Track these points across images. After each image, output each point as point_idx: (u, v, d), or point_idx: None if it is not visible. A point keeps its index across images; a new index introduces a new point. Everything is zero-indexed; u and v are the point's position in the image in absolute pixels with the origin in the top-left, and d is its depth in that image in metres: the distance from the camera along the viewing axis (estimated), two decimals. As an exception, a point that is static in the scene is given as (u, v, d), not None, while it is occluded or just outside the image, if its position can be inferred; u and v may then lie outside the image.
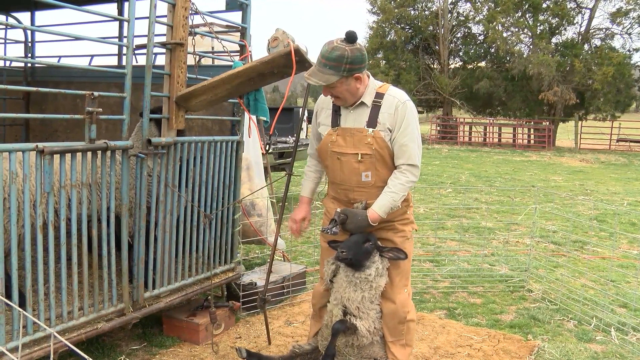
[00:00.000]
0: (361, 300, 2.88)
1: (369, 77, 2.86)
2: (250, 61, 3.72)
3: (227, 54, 3.85)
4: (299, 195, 3.25)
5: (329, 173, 3.05)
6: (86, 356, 1.26)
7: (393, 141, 2.81)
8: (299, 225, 3.15)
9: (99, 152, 3.00)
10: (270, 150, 8.15)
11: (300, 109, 3.47)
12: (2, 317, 2.59)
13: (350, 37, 2.69)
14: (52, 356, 1.33)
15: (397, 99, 2.82)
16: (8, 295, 2.68)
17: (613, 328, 4.13)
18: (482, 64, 31.66)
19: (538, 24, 28.29)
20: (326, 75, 2.69)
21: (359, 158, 2.83)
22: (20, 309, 1.55)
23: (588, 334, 4.07)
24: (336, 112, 2.94)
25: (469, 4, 31.30)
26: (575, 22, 28.57)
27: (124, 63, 3.29)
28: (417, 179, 2.85)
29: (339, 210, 2.85)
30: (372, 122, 2.82)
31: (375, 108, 2.83)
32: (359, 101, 2.85)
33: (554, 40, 28.77)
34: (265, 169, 5.64)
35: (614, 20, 27.32)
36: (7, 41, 5.63)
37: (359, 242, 2.81)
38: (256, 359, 3.14)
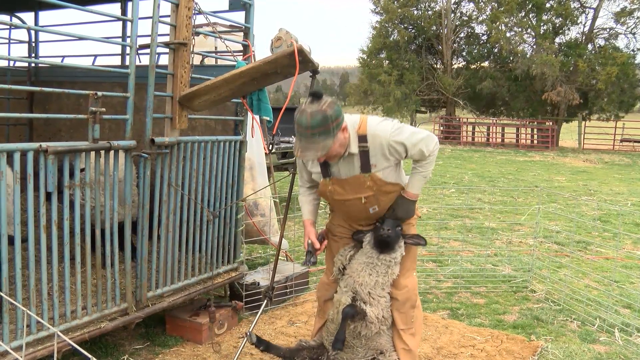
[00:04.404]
0: (374, 285, 2.92)
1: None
2: (253, 61, 3.72)
3: (230, 53, 3.85)
4: (303, 219, 3.17)
5: (334, 209, 3.14)
6: (89, 355, 1.26)
7: (408, 157, 2.85)
8: (322, 247, 3.09)
9: (103, 152, 3.01)
10: (274, 150, 8.15)
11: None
12: (6, 316, 2.59)
13: (318, 95, 2.64)
14: (55, 355, 1.33)
15: (381, 138, 2.74)
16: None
17: (617, 329, 4.12)
18: (485, 64, 31.63)
19: (541, 24, 28.23)
20: (321, 143, 2.60)
21: (363, 201, 2.88)
22: (24, 308, 1.55)
23: (591, 334, 4.05)
24: (324, 163, 2.88)
25: (472, 4, 31.27)
26: (578, 21, 28.52)
27: (127, 63, 3.30)
28: (435, 144, 2.85)
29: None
30: (366, 167, 2.80)
31: (364, 154, 2.77)
32: (346, 153, 2.78)
33: (557, 40, 28.70)
34: (269, 168, 5.64)
35: (618, 20, 27.24)
36: (11, 41, 5.65)
37: (394, 225, 2.91)
38: (265, 345, 3.16)
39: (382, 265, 2.92)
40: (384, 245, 2.91)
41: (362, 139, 2.76)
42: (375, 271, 2.92)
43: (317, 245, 3.00)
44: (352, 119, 2.82)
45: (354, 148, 2.77)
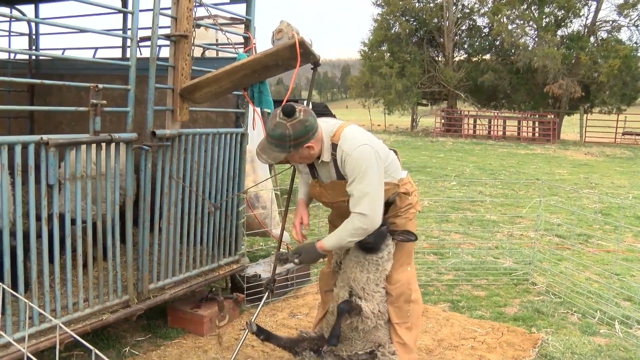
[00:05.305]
0: (366, 281, 2.92)
1: (322, 128, 2.76)
2: (254, 53, 3.71)
3: (231, 46, 3.84)
4: (298, 198, 3.22)
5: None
6: (91, 347, 1.26)
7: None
8: (298, 229, 3.11)
9: (104, 145, 3.01)
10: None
11: (305, 102, 3.47)
12: (8, 308, 2.61)
13: (286, 113, 2.59)
14: (57, 347, 1.34)
15: (344, 152, 2.70)
16: (14, 287, 2.70)
17: (617, 321, 4.12)
18: (487, 56, 31.55)
19: (543, 17, 28.12)
20: (274, 153, 2.65)
21: (347, 204, 2.85)
22: (27, 301, 1.56)
23: (592, 327, 4.06)
24: (311, 165, 2.92)
25: (474, -4, 31.14)
26: (581, 14, 28.40)
27: (128, 55, 3.29)
28: (367, 227, 2.71)
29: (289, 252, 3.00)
30: (340, 174, 2.80)
31: (336, 162, 2.77)
32: (320, 161, 2.80)
33: (559, 32, 28.60)
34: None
35: (621, 12, 27.11)
36: (12, 34, 5.63)
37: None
38: (265, 335, 3.17)
39: (371, 264, 2.92)
40: (367, 250, 2.91)
41: (335, 147, 2.75)
42: (366, 269, 2.92)
43: (297, 229, 3.03)
44: (329, 126, 2.80)
45: (327, 156, 2.77)
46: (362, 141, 2.71)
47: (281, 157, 2.68)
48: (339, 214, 3.11)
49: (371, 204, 2.69)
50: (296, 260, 2.93)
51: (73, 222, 2.90)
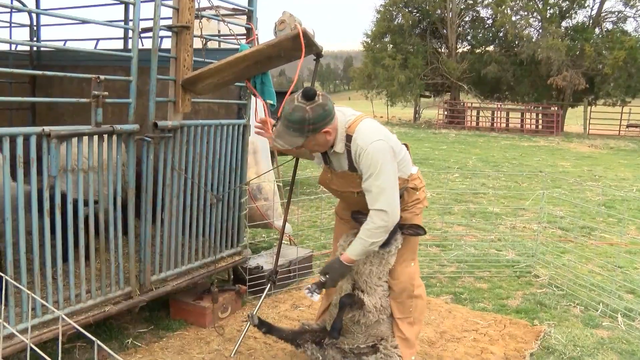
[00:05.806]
0: (369, 274, 2.90)
1: (338, 117, 2.73)
2: (256, 44, 3.69)
3: (233, 37, 3.82)
4: None
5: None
6: (94, 338, 1.26)
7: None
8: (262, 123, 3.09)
9: (105, 136, 3.00)
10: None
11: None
12: (11, 300, 2.61)
13: (307, 96, 2.57)
14: (60, 338, 1.34)
15: (359, 146, 2.67)
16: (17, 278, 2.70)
17: (620, 314, 4.12)
18: (491, 48, 31.42)
19: (548, 8, 27.94)
20: (291, 137, 2.62)
21: (356, 195, 2.84)
22: (29, 292, 1.56)
23: (594, 319, 4.06)
24: (324, 152, 2.90)
25: (477, -13, 30.95)
26: (586, 5, 28.23)
27: (130, 46, 3.27)
28: (388, 223, 2.69)
29: (315, 283, 2.86)
30: (352, 166, 2.78)
31: (349, 154, 2.75)
32: (332, 150, 2.78)
33: (564, 24, 28.44)
34: (272, 152, 5.63)
35: (627, 2, 26.89)
36: (13, 24, 5.61)
37: None
38: (267, 327, 3.17)
39: (375, 256, 2.90)
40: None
41: (349, 138, 2.73)
42: (369, 261, 2.90)
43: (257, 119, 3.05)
44: (345, 117, 2.76)
45: (340, 147, 2.75)
46: (378, 136, 2.68)
47: (299, 142, 2.64)
48: (346, 205, 3.10)
49: (389, 199, 2.67)
50: (317, 291, 2.82)
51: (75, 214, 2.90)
